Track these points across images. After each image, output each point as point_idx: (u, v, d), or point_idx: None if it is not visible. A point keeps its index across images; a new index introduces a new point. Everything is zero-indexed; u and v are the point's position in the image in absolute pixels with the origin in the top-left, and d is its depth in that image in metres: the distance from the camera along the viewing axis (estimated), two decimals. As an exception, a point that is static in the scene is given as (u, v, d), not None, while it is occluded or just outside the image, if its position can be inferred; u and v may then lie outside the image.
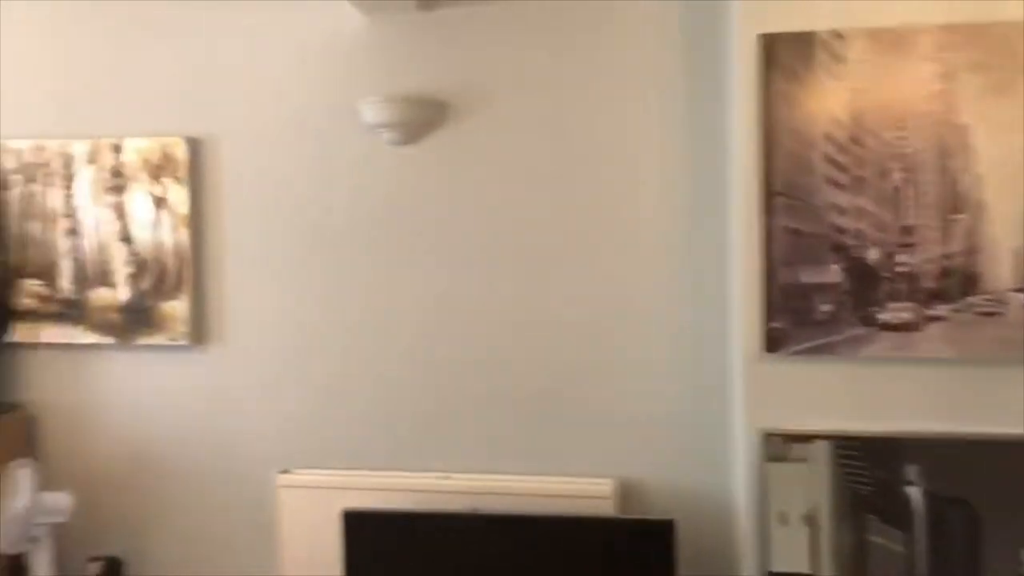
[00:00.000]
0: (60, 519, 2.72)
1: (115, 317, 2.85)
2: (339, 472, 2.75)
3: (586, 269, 2.67)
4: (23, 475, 2.67)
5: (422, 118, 2.66)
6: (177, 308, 2.80)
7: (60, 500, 2.72)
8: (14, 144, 2.86)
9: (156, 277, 2.81)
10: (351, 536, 2.55)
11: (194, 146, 2.80)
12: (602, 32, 2.63)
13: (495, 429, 2.73)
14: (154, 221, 2.80)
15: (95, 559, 2.90)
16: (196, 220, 2.82)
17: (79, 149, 2.83)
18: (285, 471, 2.78)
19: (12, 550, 2.66)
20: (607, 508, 2.57)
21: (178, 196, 2.79)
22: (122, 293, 2.84)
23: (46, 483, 2.85)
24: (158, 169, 2.79)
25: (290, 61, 2.77)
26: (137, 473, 2.92)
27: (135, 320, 2.83)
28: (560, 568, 2.46)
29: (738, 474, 2.48)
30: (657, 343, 2.65)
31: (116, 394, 2.91)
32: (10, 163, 2.87)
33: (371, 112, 2.64)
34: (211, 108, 2.81)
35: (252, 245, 2.82)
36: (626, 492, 2.64)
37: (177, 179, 2.78)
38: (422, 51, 2.71)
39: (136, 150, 2.80)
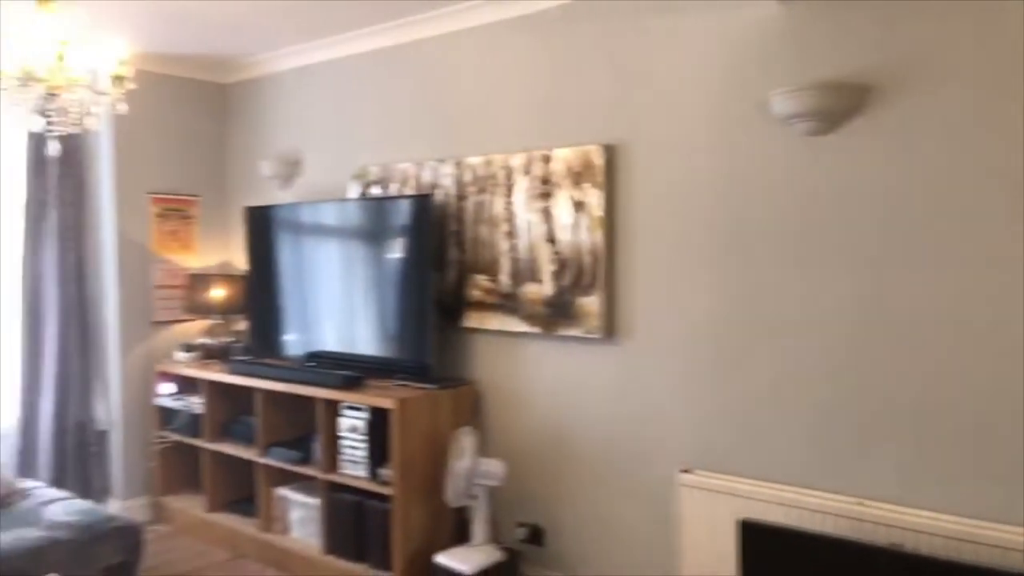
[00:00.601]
0: (495, 483, 3.14)
1: (541, 309, 3.17)
2: (742, 479, 2.66)
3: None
4: (468, 440, 3.13)
5: (841, 105, 2.42)
6: (592, 303, 3.01)
7: (496, 466, 3.14)
8: (471, 160, 3.38)
9: (575, 275, 3.06)
10: (748, 547, 2.44)
11: (610, 153, 2.98)
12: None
13: (923, 457, 2.36)
14: (574, 223, 3.05)
15: (522, 524, 3.27)
16: (610, 222, 2.99)
17: (516, 161, 3.22)
18: (687, 470, 2.78)
19: (456, 503, 3.14)
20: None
21: (595, 200, 2.99)
22: (547, 288, 3.15)
23: (485, 450, 3.31)
24: (579, 176, 3.03)
25: (699, 60, 2.77)
26: (557, 451, 3.21)
27: (557, 313, 3.12)
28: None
29: None
30: None
31: (541, 379, 3.24)
32: (467, 177, 3.40)
33: (784, 103, 2.49)
34: (625, 115, 2.95)
35: (662, 245, 2.89)
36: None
37: (595, 184, 2.98)
38: (840, 34, 2.46)
39: (562, 159, 3.08)
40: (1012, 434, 2.21)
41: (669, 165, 2.86)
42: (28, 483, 3.52)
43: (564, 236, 3.09)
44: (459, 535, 3.28)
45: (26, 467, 3.93)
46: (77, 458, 4.08)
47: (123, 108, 2.41)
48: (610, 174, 2.98)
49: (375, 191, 3.75)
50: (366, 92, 3.85)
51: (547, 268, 3.15)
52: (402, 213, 3.45)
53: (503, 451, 3.33)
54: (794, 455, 2.60)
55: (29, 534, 3.01)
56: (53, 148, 2.44)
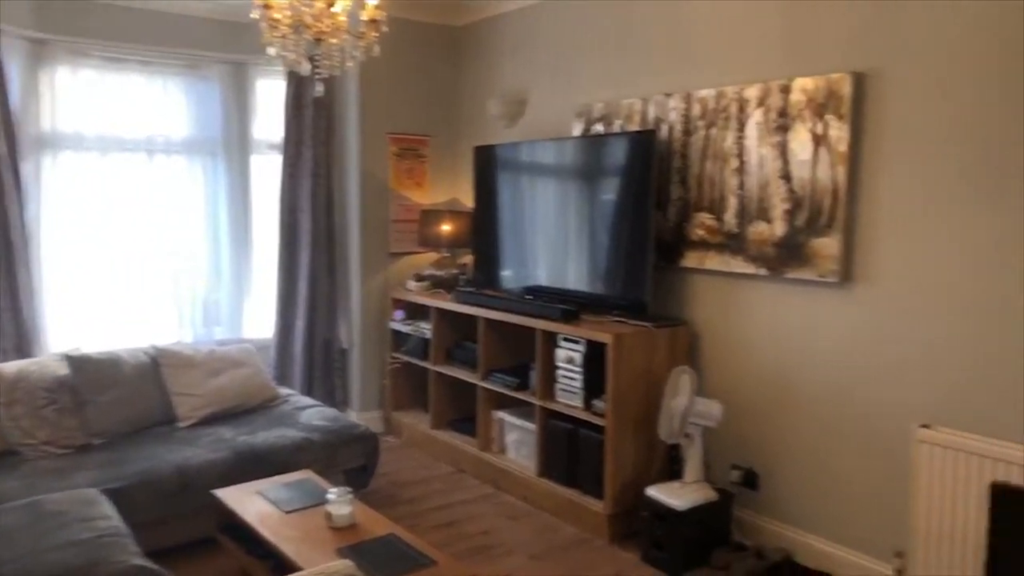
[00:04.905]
0: (711, 424, 3.12)
1: (769, 250, 3.05)
2: (991, 439, 2.43)
3: None
4: (685, 379, 3.12)
5: None
6: (828, 245, 2.84)
7: (713, 407, 3.11)
8: (701, 93, 3.27)
9: (810, 214, 2.90)
10: (1000, 512, 2.24)
11: (859, 81, 2.75)
12: None
13: None
14: (812, 159, 2.88)
15: (737, 467, 3.23)
16: (854, 158, 2.78)
17: (752, 93, 3.07)
18: (926, 426, 2.59)
19: (669, 439, 3.16)
20: None
21: (838, 134, 2.79)
22: (778, 228, 3.01)
23: (699, 391, 3.29)
24: (821, 107, 2.83)
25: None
26: (778, 398, 3.11)
27: (787, 254, 2.99)
28: None
29: None
30: None
31: (764, 323, 3.14)
32: (696, 111, 3.30)
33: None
34: (879, 40, 2.70)
35: (914, 185, 2.65)
36: None
37: (839, 116, 2.78)
38: None
39: (802, 89, 2.89)
40: None
41: (927, 98, 2.59)
42: (284, 390, 4.02)
43: (800, 173, 2.92)
44: (671, 472, 3.31)
45: (282, 376, 4.48)
46: (324, 371, 4.59)
47: (376, 50, 2.59)
48: (858, 105, 2.76)
49: (598, 128, 3.76)
50: (592, 27, 3.83)
51: (779, 207, 3.01)
52: (623, 150, 3.43)
53: (718, 393, 3.28)
54: (1062, 420, 2.34)
55: (289, 433, 3.45)
56: (319, 89, 2.69)
